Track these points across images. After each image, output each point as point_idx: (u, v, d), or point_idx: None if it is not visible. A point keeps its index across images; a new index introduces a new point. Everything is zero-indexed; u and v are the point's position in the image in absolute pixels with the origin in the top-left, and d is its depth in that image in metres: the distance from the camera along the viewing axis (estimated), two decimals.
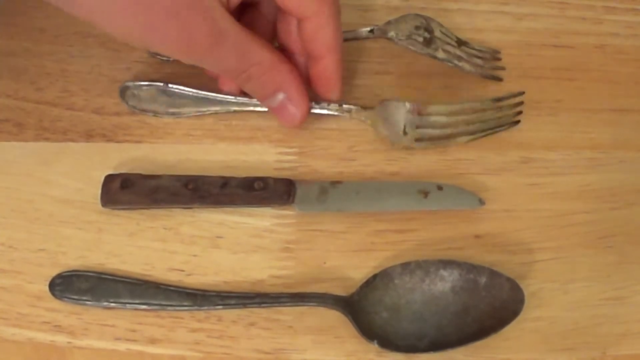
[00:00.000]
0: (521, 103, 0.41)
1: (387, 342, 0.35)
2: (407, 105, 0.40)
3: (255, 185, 0.38)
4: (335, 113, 0.40)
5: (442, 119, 0.40)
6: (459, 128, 0.40)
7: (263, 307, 0.36)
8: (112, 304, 0.36)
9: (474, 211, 0.39)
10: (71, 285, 0.36)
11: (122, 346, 0.36)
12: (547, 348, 0.36)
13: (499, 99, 0.41)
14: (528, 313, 0.37)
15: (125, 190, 0.38)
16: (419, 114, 0.40)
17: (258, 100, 0.39)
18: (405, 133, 0.40)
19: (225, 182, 0.38)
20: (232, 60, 0.35)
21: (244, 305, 0.36)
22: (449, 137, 0.40)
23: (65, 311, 0.36)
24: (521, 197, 0.40)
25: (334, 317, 0.36)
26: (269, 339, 0.36)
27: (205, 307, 0.36)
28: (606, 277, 0.38)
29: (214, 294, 0.36)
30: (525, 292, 0.36)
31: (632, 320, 0.37)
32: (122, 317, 0.36)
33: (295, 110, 0.38)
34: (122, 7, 0.32)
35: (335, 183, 0.39)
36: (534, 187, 0.40)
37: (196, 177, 0.38)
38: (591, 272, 0.38)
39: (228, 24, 0.34)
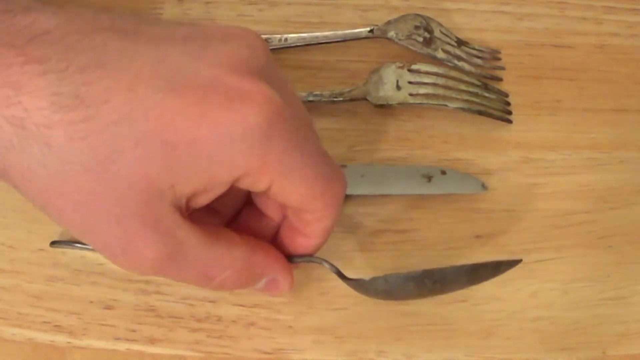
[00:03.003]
0: (507, 96, 0.41)
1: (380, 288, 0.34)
2: (396, 63, 0.41)
3: None
4: (330, 100, 0.41)
5: (431, 77, 0.41)
6: (450, 93, 0.41)
7: None
8: None
9: (474, 211, 0.39)
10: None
11: (122, 346, 0.36)
12: (547, 348, 0.36)
13: (485, 84, 0.42)
14: (528, 313, 0.37)
15: None
16: (408, 70, 0.41)
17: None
18: (398, 88, 0.40)
19: None
20: (195, 272, 0.30)
21: None
22: (440, 98, 0.41)
23: (65, 311, 0.36)
24: (521, 197, 0.40)
25: (334, 317, 0.36)
26: (268, 339, 0.36)
27: None
28: (606, 277, 0.38)
29: None
30: (526, 292, 0.36)
31: (632, 320, 0.37)
32: (122, 317, 0.36)
33: (283, 284, 0.33)
34: (58, 195, 0.27)
35: (340, 167, 0.39)
36: (534, 187, 0.40)
37: None
38: (591, 272, 0.38)
39: (186, 233, 0.28)
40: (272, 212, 0.34)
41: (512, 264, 0.34)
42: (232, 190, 0.29)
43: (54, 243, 0.37)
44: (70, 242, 0.37)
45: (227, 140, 0.26)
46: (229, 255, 0.30)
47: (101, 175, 0.26)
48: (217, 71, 0.27)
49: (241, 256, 0.31)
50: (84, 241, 0.29)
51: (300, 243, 0.33)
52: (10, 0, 0.27)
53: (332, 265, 0.34)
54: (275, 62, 0.30)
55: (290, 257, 0.34)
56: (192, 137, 0.26)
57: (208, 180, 0.27)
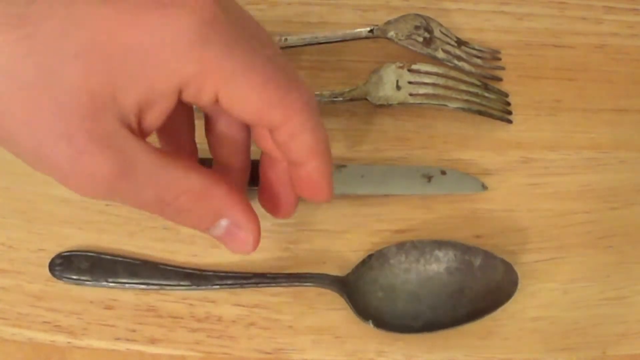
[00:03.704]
0: (507, 96, 0.41)
1: (382, 322, 0.35)
2: (396, 63, 0.41)
3: None
4: (330, 101, 0.41)
5: (432, 77, 0.41)
6: (450, 93, 0.41)
7: (260, 287, 0.36)
8: (111, 284, 0.36)
9: (474, 211, 0.39)
10: (70, 265, 0.36)
11: (122, 346, 0.36)
12: (547, 348, 0.36)
13: (485, 84, 0.42)
14: (528, 313, 0.37)
15: None
16: (408, 70, 0.41)
17: (200, 231, 0.32)
18: (398, 88, 0.40)
19: None
20: (149, 194, 0.28)
21: (241, 286, 0.36)
22: (440, 98, 0.41)
23: (65, 311, 0.36)
24: (521, 197, 0.40)
25: (334, 317, 0.36)
26: (268, 339, 0.36)
27: (203, 287, 0.36)
28: (606, 277, 0.38)
29: (211, 273, 0.36)
30: (526, 292, 0.36)
31: (632, 320, 0.37)
32: (122, 317, 0.36)
33: (245, 234, 0.31)
34: (8, 117, 0.26)
35: (340, 167, 0.39)
36: (534, 187, 0.40)
37: (203, 160, 0.38)
38: (591, 272, 0.38)
39: (138, 150, 0.27)
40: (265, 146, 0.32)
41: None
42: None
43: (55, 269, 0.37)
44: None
45: (161, 45, 0.26)
46: (186, 179, 0.29)
47: (45, 91, 0.26)
48: None
49: (199, 183, 0.29)
50: (35, 167, 0.28)
51: (300, 177, 0.31)
52: None
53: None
54: None
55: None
56: (127, 44, 0.26)
57: (148, 89, 0.27)
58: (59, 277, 0.36)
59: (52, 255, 0.37)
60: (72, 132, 0.26)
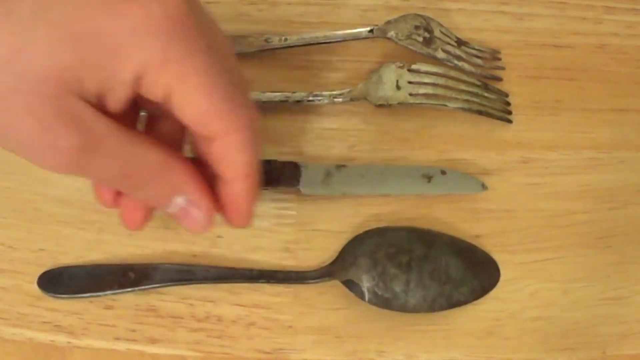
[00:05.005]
0: (507, 96, 0.41)
1: (376, 298, 0.36)
2: (396, 63, 0.41)
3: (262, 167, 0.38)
4: (330, 100, 0.41)
5: (431, 77, 0.41)
6: (450, 93, 0.41)
7: (259, 282, 0.37)
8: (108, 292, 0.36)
9: (474, 211, 0.39)
10: (59, 280, 0.37)
11: (122, 346, 0.36)
12: (547, 348, 0.36)
13: (485, 84, 0.42)
14: (528, 313, 0.37)
15: None
16: (408, 70, 0.41)
17: (158, 209, 0.33)
18: (398, 88, 0.40)
19: None
20: (113, 168, 0.29)
21: (240, 282, 0.37)
22: (440, 98, 0.41)
23: (65, 311, 0.36)
24: (521, 197, 0.40)
25: (334, 317, 0.36)
26: (268, 339, 0.36)
27: (201, 282, 0.36)
28: (606, 277, 0.38)
29: (210, 267, 0.37)
30: (526, 292, 0.36)
31: (632, 320, 0.37)
32: (122, 317, 0.36)
33: (198, 213, 0.32)
34: None
35: (340, 166, 0.39)
36: (534, 187, 0.40)
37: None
38: (591, 272, 0.38)
39: (102, 125, 0.28)
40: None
41: None
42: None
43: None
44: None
45: (127, 33, 0.27)
46: (147, 152, 0.30)
47: (14, 67, 0.27)
48: None
49: (160, 158, 0.30)
50: (1, 144, 0.29)
51: (224, 194, 0.32)
52: None
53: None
54: None
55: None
56: (96, 27, 0.27)
57: (109, 75, 0.28)
58: (47, 293, 0.36)
59: (52, 256, 0.37)
60: (38, 108, 0.27)
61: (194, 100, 0.29)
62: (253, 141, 0.30)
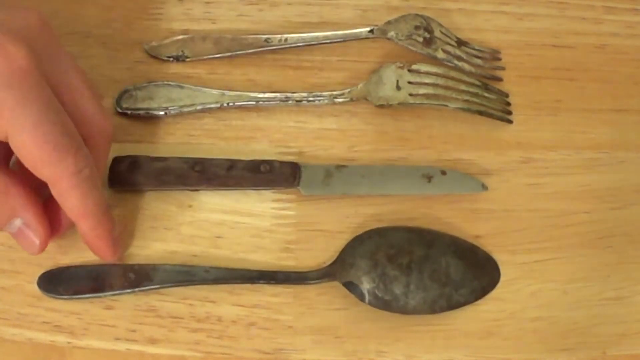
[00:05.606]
0: (507, 96, 0.42)
1: (377, 300, 0.36)
2: (396, 63, 0.41)
3: (262, 168, 0.39)
4: (330, 100, 0.41)
5: (431, 77, 0.41)
6: (450, 93, 0.41)
7: (260, 283, 0.37)
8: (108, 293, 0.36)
9: (474, 211, 0.39)
10: (59, 280, 0.36)
11: (122, 346, 0.36)
12: (547, 348, 0.36)
13: (486, 84, 0.42)
14: (528, 313, 0.37)
15: (132, 172, 0.38)
16: (408, 70, 0.41)
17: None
18: (398, 88, 0.40)
19: (231, 165, 0.39)
20: None
21: (241, 282, 0.36)
22: (440, 98, 0.41)
23: (65, 311, 0.36)
24: (521, 197, 0.40)
25: (334, 317, 0.36)
26: (269, 339, 0.36)
27: (202, 283, 0.36)
28: (606, 277, 0.38)
29: (210, 268, 0.36)
30: (526, 292, 0.36)
31: (632, 320, 0.37)
32: (122, 317, 0.36)
33: (33, 237, 0.35)
34: None
35: (340, 166, 0.39)
36: (534, 187, 0.40)
37: (203, 160, 0.39)
38: (591, 272, 0.38)
39: None
40: None
41: None
42: None
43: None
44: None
45: None
46: None
47: None
48: None
49: (2, 182, 0.33)
50: None
51: (79, 231, 0.35)
52: None
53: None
54: (60, 47, 0.34)
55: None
56: None
57: None
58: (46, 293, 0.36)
59: (52, 256, 0.37)
60: None
61: (25, 149, 0.31)
62: (84, 185, 0.33)
